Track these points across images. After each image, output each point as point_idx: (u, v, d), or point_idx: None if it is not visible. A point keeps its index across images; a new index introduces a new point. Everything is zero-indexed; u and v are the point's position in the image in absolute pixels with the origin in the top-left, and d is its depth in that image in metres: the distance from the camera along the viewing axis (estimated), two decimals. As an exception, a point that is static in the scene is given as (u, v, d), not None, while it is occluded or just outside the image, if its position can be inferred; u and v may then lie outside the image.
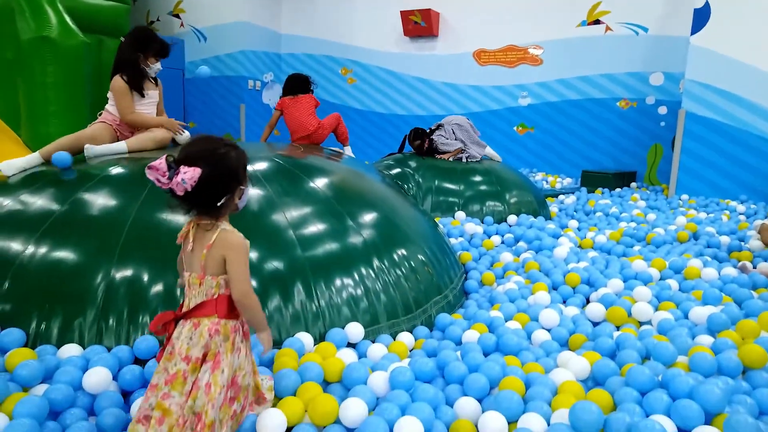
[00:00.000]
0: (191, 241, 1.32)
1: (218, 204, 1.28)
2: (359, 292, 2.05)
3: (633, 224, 4.11)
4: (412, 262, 2.33)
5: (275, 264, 1.95)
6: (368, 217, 2.40)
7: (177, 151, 1.29)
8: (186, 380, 1.25)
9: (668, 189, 6.11)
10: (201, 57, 9.14)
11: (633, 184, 6.61)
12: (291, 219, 2.13)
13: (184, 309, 1.32)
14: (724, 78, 5.51)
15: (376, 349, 1.86)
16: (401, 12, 8.28)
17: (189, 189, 1.20)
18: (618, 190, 6.16)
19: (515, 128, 7.82)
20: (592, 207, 4.88)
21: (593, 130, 7.30)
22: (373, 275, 2.12)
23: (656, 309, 2.27)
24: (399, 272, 2.22)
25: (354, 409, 1.43)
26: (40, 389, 1.52)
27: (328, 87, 9.38)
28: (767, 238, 3.21)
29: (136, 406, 1.41)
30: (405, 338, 2.03)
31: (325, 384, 1.66)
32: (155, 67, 2.94)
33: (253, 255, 1.95)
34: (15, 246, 1.91)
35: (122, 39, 2.90)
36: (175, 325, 1.31)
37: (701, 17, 5.55)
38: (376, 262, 2.17)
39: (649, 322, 2.18)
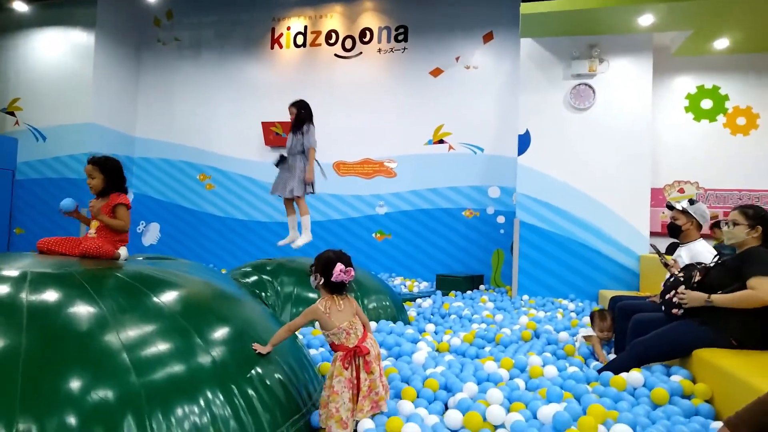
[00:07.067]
0: None
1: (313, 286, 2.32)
2: (205, 420, 1.83)
3: (483, 325, 4.35)
4: (267, 381, 2.17)
5: (101, 394, 1.68)
6: (219, 333, 2.23)
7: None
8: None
9: (511, 290, 6.68)
10: (37, 158, 8.39)
11: (482, 287, 7.12)
12: (126, 340, 1.89)
13: None
14: (546, 192, 6.41)
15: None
16: (263, 123, 8.53)
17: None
18: (469, 292, 6.58)
19: (374, 235, 8.14)
20: (447, 309, 5.11)
21: (444, 237, 7.89)
22: (221, 400, 1.92)
23: (508, 411, 2.35)
24: (252, 393, 2.04)
25: None
26: None
27: (185, 192, 9.07)
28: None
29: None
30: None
31: None
32: None
33: (75, 385, 1.67)
34: None
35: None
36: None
37: (524, 141, 6.52)
38: (226, 384, 1.98)
39: (503, 425, 2.24)
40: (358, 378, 2.18)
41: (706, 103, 6.68)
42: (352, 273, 2.23)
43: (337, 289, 2.25)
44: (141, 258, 3.21)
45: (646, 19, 5.83)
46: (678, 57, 6.66)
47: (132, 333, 1.94)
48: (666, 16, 5.74)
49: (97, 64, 8.33)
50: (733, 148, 6.56)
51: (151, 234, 9.12)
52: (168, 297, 2.27)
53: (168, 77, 9.21)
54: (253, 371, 2.15)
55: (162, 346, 1.96)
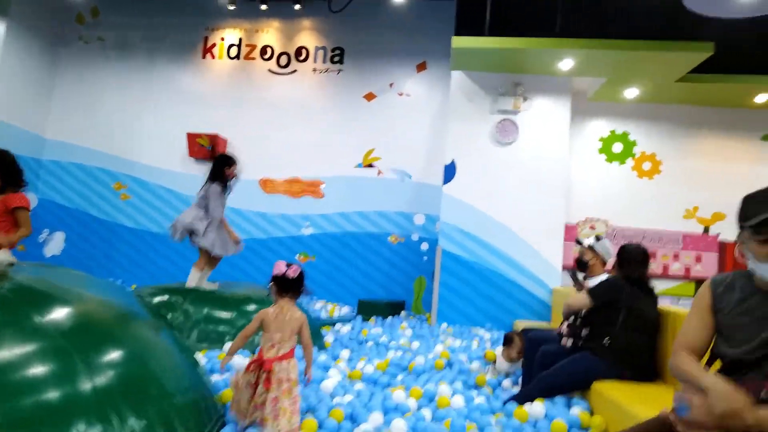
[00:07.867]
0: None
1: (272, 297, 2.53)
2: (75, 455, 1.65)
3: (399, 353, 4.32)
4: (156, 410, 2.00)
5: (-50, 426, 1.47)
6: (107, 356, 2.04)
7: None
8: None
9: (431, 318, 6.73)
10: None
11: (403, 313, 7.12)
12: (-11, 362, 1.68)
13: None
14: (468, 222, 6.57)
15: None
16: (188, 134, 8.21)
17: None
18: (390, 318, 6.55)
19: (297, 256, 7.98)
20: (365, 336, 5.05)
21: (369, 261, 7.86)
22: (98, 431, 1.74)
23: (411, 442, 2.31)
24: (135, 424, 1.87)
25: None
26: None
27: (96, 201, 8.50)
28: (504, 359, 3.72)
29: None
30: None
31: None
32: None
33: None
34: None
35: None
36: None
37: (450, 172, 6.67)
38: (105, 414, 1.81)
39: (404, 457, 2.19)
40: (256, 387, 2.29)
41: (617, 147, 7.16)
42: (296, 268, 2.43)
43: (283, 287, 2.41)
44: (27, 265, 2.93)
45: (566, 64, 6.20)
46: (593, 102, 7.13)
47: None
48: (583, 63, 6.13)
49: (6, 55, 7.70)
50: (639, 191, 7.06)
51: (55, 244, 8.43)
52: (50, 313, 2.06)
53: (88, 78, 8.68)
54: (140, 399, 1.98)
55: (34, 369, 1.76)
